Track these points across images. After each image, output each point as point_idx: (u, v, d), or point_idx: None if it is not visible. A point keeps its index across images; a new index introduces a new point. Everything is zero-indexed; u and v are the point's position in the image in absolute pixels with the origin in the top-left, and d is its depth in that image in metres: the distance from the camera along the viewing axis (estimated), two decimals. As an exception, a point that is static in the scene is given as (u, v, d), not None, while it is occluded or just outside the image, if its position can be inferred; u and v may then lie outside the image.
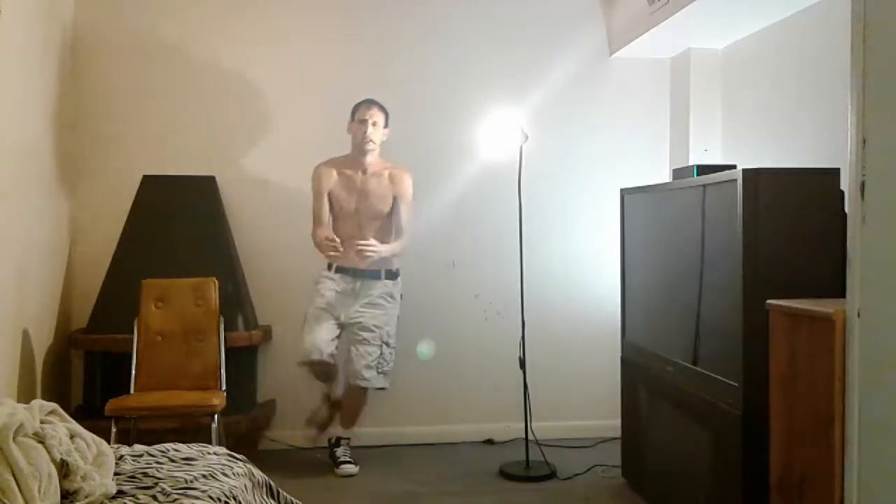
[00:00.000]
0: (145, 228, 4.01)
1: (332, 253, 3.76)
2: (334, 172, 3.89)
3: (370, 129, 3.79)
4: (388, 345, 3.83)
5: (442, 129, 4.23)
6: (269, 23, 4.27)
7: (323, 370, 3.82)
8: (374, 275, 3.83)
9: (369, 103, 3.83)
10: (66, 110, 4.06)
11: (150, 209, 4.05)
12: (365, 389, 3.84)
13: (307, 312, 3.82)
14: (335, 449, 3.88)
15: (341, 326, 3.82)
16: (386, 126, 3.86)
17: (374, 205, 3.86)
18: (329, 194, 3.90)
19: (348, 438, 3.92)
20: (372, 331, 3.79)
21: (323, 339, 3.75)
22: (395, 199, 3.87)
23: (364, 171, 3.85)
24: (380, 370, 3.81)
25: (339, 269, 3.85)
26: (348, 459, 3.82)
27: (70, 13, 4.11)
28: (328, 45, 4.29)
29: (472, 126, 4.16)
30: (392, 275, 3.88)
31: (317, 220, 3.88)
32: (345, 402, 3.91)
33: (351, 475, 3.75)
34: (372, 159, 3.86)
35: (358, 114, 3.84)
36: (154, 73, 4.20)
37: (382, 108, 3.85)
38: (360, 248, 3.71)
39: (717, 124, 4.21)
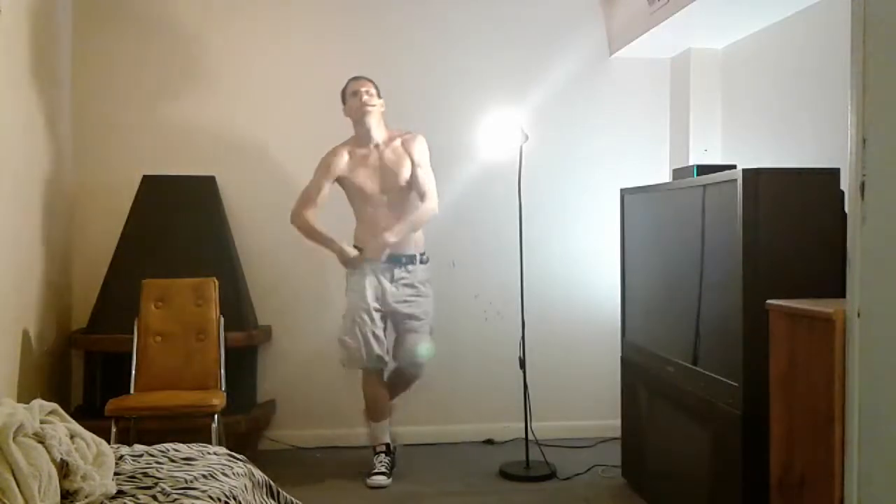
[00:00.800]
0: (145, 228, 4.01)
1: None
2: (346, 155, 3.79)
3: (366, 97, 3.76)
4: (430, 332, 3.87)
5: (442, 129, 4.23)
6: (268, 23, 4.27)
7: (379, 393, 3.80)
8: (409, 260, 3.80)
9: (356, 78, 3.82)
10: (66, 110, 4.06)
11: (150, 209, 4.05)
12: (414, 377, 3.89)
13: (348, 312, 3.75)
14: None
15: (386, 315, 3.79)
16: (379, 97, 3.82)
17: (395, 178, 3.77)
18: (344, 181, 3.80)
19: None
20: (421, 319, 3.82)
21: (375, 346, 3.72)
22: (412, 165, 3.79)
23: (377, 145, 3.80)
24: (428, 358, 3.86)
25: (376, 259, 3.76)
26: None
27: (70, 13, 4.11)
28: (328, 44, 4.30)
29: (472, 126, 4.16)
30: (424, 259, 3.87)
31: (306, 200, 3.79)
32: (391, 388, 3.88)
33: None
34: (379, 130, 3.80)
35: (349, 90, 3.80)
36: (154, 73, 4.20)
37: (370, 81, 3.81)
38: (382, 244, 3.70)
39: (717, 124, 4.21)
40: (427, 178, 3.80)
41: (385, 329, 3.80)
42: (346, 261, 3.80)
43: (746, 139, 3.96)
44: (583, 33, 4.43)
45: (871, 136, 1.61)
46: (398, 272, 3.78)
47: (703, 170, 2.96)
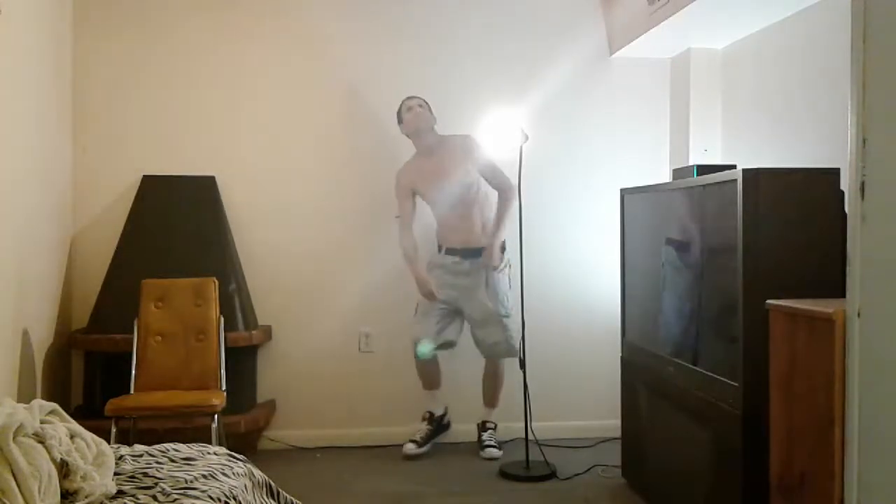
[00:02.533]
0: (145, 228, 4.01)
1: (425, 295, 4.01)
2: (411, 169, 4.07)
3: (418, 109, 4.02)
4: (507, 317, 3.97)
5: (442, 129, 4.22)
6: (268, 23, 4.27)
7: (427, 367, 4.12)
8: (475, 253, 4.00)
9: (409, 98, 4.06)
10: (66, 110, 4.06)
11: (150, 209, 4.06)
12: (499, 365, 4.06)
13: (419, 302, 4.07)
14: (482, 433, 4.12)
15: (457, 312, 4.06)
16: (431, 113, 4.07)
17: (454, 178, 3.99)
18: (416, 193, 4.07)
19: (494, 424, 4.14)
20: (489, 309, 3.95)
21: (428, 333, 4.01)
22: (476, 165, 4.02)
23: (433, 153, 4.02)
24: (509, 342, 3.99)
25: (448, 251, 4.04)
26: (493, 444, 4.05)
27: (70, 13, 4.11)
28: (328, 45, 4.29)
29: (472, 126, 4.16)
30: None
31: (403, 226, 4.05)
32: (485, 382, 4.17)
33: (494, 458, 3.96)
34: (433, 138, 4.05)
35: (404, 108, 4.05)
36: (154, 74, 4.20)
37: (422, 98, 4.05)
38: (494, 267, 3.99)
39: (717, 124, 4.21)
40: (500, 171, 4.01)
41: (451, 324, 4.07)
42: (425, 294, 4.03)
43: (746, 139, 3.96)
44: (583, 33, 4.43)
45: (871, 136, 1.61)
46: (468, 264, 4.01)
47: (703, 170, 2.96)
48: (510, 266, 4.05)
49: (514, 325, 3.97)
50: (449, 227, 4.06)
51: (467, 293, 4.01)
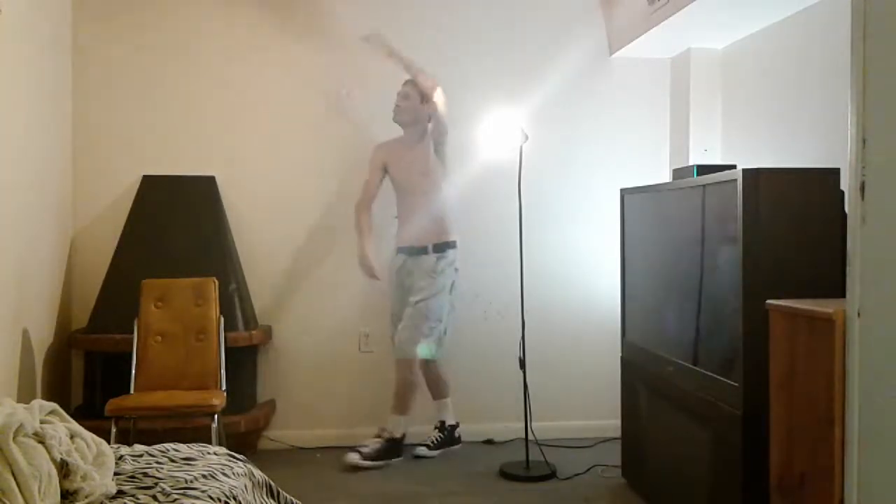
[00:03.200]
0: (145, 228, 4.01)
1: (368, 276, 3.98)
2: (388, 148, 4.07)
3: (398, 98, 4.00)
4: (427, 318, 3.90)
5: (442, 129, 4.23)
6: (268, 24, 4.27)
7: (431, 374, 4.09)
8: (420, 251, 3.97)
9: (403, 83, 4.01)
10: (65, 110, 4.06)
11: (150, 209, 4.06)
12: (408, 364, 3.93)
13: (392, 313, 4.10)
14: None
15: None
16: (422, 102, 3.96)
17: (417, 175, 3.99)
18: (388, 170, 4.07)
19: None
20: (410, 306, 3.93)
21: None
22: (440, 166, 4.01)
23: (412, 147, 4.01)
24: (417, 341, 3.89)
25: (399, 251, 4.05)
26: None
27: (69, 13, 4.11)
28: (327, 45, 4.30)
29: (472, 126, 4.16)
30: (439, 248, 3.98)
31: (363, 191, 4.05)
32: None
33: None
34: (415, 133, 4.00)
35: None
36: (154, 74, 4.20)
37: (416, 85, 3.97)
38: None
39: (717, 124, 4.21)
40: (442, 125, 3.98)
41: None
42: (361, 264, 3.98)
43: (746, 139, 3.96)
44: (583, 33, 4.43)
45: (871, 136, 1.61)
46: (409, 262, 4.00)
47: (703, 170, 2.96)
48: (457, 270, 4.01)
49: (434, 330, 3.91)
50: (405, 223, 4.04)
51: (407, 287, 3.99)
